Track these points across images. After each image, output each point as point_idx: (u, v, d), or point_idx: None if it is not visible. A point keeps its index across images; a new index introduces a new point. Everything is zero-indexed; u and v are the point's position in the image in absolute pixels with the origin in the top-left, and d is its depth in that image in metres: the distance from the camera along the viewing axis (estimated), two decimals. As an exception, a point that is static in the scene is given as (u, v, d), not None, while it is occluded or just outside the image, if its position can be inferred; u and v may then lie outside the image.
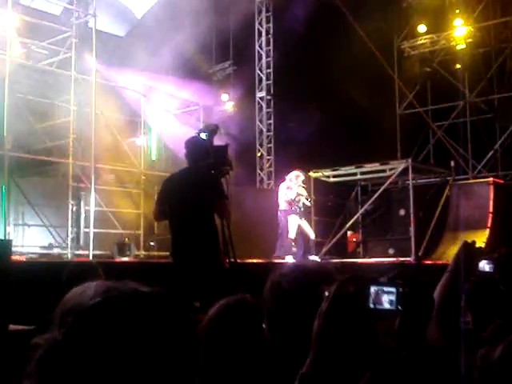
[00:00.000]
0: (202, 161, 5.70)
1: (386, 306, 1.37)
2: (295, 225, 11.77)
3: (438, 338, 1.95)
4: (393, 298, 1.38)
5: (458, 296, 2.01)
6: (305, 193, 12.05)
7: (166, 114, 15.60)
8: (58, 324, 1.05)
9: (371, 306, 1.37)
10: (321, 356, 1.37)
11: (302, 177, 12.05)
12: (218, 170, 5.75)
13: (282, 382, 1.72)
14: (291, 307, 1.74)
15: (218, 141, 6.20)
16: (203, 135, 5.75)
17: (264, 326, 1.78)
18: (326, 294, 1.42)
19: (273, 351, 1.74)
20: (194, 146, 5.84)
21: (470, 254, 2.30)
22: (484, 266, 2.43)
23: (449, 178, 13.84)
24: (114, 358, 0.97)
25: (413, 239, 12.42)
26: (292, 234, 11.70)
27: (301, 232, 11.89)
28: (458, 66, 15.64)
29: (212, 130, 5.83)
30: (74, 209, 12.80)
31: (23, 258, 8.84)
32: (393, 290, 1.38)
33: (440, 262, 11.26)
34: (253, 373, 1.81)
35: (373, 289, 1.38)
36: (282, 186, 12.07)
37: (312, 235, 12.13)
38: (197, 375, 1.03)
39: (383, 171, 13.34)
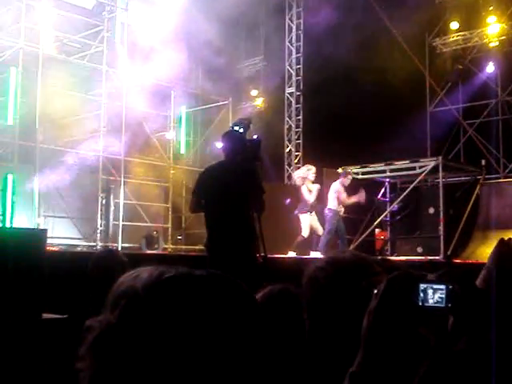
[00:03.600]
0: (239, 154, 5.68)
1: (436, 303, 1.36)
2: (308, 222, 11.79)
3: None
4: (442, 295, 1.36)
5: (494, 294, 1.99)
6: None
7: (194, 108, 15.66)
8: (110, 307, 1.04)
9: (420, 303, 1.36)
10: (371, 354, 1.36)
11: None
12: (250, 164, 5.74)
13: (319, 374, 1.71)
14: (330, 301, 1.73)
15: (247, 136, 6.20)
16: (238, 129, 5.74)
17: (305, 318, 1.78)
18: (375, 291, 1.41)
19: (312, 344, 1.73)
20: (231, 139, 5.82)
21: (506, 251, 2.27)
22: None
23: (479, 177, 13.68)
24: (174, 339, 0.95)
25: (442, 238, 12.29)
26: (306, 232, 11.72)
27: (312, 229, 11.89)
28: (491, 63, 15.44)
29: (246, 124, 5.82)
30: (104, 201, 12.92)
31: (56, 249, 8.93)
32: (442, 287, 1.36)
33: (470, 261, 11.14)
34: (291, 362, 1.80)
35: (422, 286, 1.36)
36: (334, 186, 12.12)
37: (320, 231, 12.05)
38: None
39: (413, 169, 13.21)
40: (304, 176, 11.77)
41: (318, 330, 1.72)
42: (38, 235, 4.86)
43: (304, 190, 11.73)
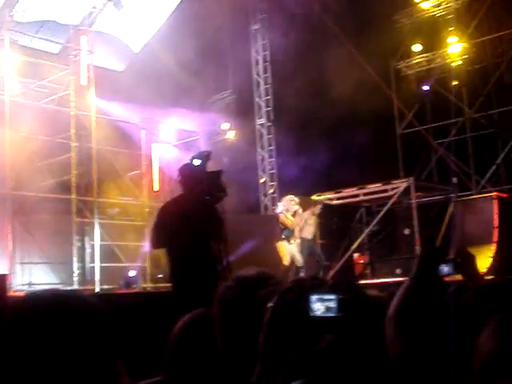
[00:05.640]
0: (195, 187, 5.71)
1: (327, 313, 1.37)
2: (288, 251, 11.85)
3: (396, 341, 1.95)
4: (333, 305, 1.37)
5: (420, 300, 2.01)
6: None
7: (166, 145, 15.69)
8: None
9: (312, 314, 1.37)
10: (267, 365, 1.37)
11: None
12: (212, 196, 5.75)
13: None
14: (234, 317, 1.76)
15: (217, 169, 6.21)
16: (196, 162, 5.76)
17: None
18: (269, 304, 1.43)
19: (225, 363, 1.74)
20: (187, 172, 5.85)
21: (430, 256, 2.30)
22: (443, 268, 2.42)
23: (452, 195, 13.77)
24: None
25: (419, 258, 12.32)
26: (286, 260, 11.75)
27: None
28: (456, 82, 15.65)
29: (205, 156, 5.84)
30: (79, 244, 12.83)
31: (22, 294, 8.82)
32: (333, 297, 1.38)
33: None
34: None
35: (313, 297, 1.38)
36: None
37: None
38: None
39: (386, 191, 13.32)
40: (286, 208, 11.94)
41: (229, 348, 1.74)
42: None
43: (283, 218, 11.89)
